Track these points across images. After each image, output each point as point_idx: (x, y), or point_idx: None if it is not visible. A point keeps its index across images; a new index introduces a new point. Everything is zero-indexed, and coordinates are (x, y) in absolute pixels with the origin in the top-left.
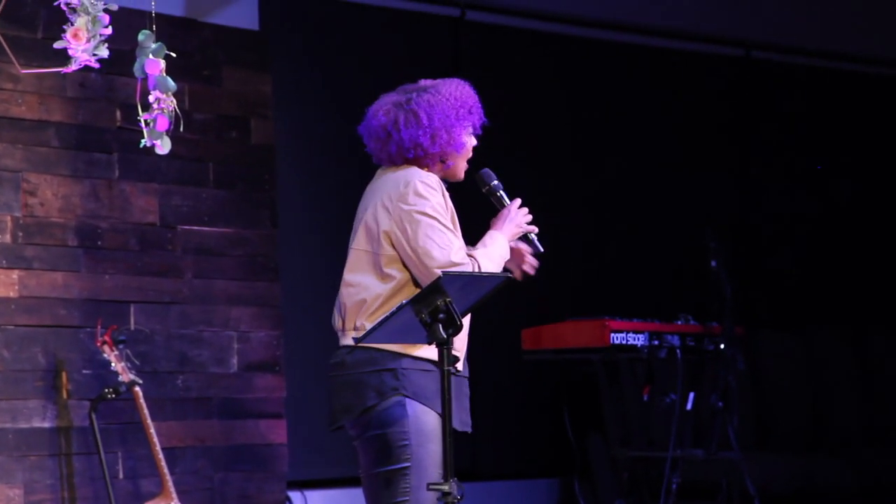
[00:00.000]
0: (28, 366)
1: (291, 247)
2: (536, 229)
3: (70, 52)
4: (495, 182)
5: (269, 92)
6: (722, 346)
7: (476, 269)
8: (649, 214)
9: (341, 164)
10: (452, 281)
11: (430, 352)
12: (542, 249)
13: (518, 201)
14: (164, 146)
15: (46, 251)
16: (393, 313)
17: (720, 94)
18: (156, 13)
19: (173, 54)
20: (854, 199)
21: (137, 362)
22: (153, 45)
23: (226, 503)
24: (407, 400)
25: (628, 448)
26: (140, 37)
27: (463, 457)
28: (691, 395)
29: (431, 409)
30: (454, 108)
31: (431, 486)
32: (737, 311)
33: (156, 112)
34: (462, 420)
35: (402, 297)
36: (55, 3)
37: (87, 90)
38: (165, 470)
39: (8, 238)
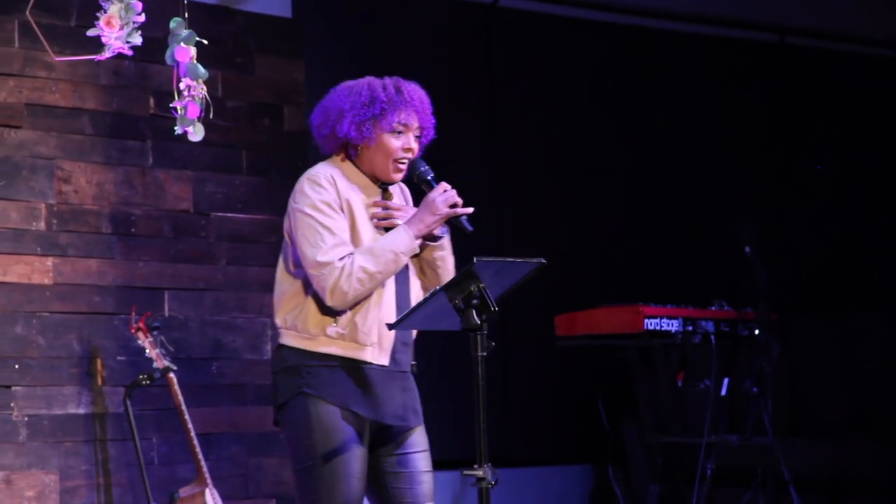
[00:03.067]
0: (63, 352)
1: None
2: (466, 211)
3: (103, 39)
4: (423, 168)
5: (302, 79)
6: (756, 331)
7: (349, 267)
8: (683, 200)
9: None
10: (485, 267)
11: (335, 348)
12: (470, 229)
13: (440, 187)
14: (196, 133)
15: (81, 238)
16: (427, 299)
17: (754, 79)
18: (189, 1)
19: (205, 42)
20: (891, 183)
21: (172, 349)
22: (184, 33)
23: (260, 489)
24: (311, 397)
25: (662, 434)
26: (172, 24)
27: (497, 443)
28: (726, 380)
29: (336, 405)
30: (349, 96)
31: (466, 473)
32: (771, 296)
33: (186, 99)
34: (396, 415)
35: (301, 299)
36: None
37: (121, 78)
38: (200, 456)
39: (42, 225)
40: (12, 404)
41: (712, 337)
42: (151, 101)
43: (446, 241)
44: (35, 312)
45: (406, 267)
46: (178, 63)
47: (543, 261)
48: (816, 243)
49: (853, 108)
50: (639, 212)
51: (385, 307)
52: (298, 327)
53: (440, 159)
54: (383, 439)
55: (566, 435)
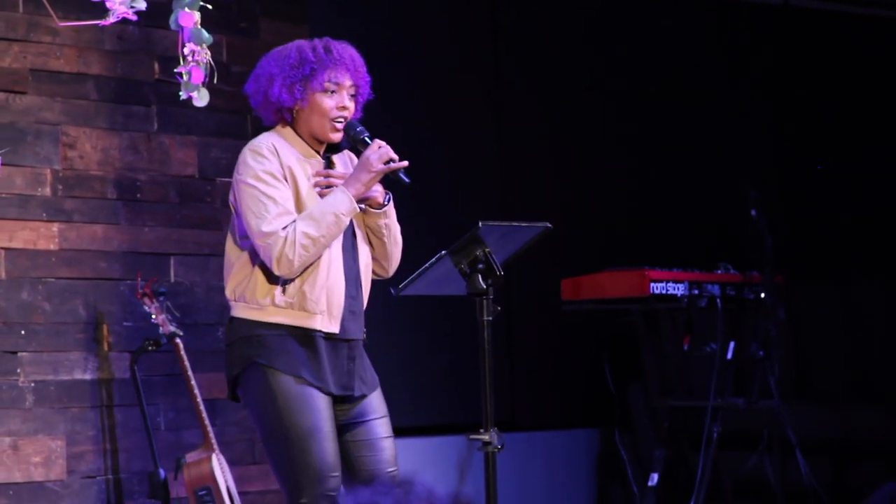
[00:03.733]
0: (69, 318)
1: None
2: (401, 164)
3: (108, 4)
4: (358, 129)
5: None
6: (762, 295)
7: (291, 234)
8: (688, 163)
9: (375, 115)
10: (490, 231)
11: (283, 317)
12: (407, 181)
13: (374, 144)
14: (201, 98)
15: (86, 204)
16: (432, 263)
17: (758, 42)
18: None
19: (210, 6)
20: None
21: (178, 314)
22: None
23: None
24: (265, 367)
25: (668, 398)
26: None
27: (502, 408)
28: (731, 344)
29: (289, 373)
30: (278, 60)
31: (472, 437)
32: (777, 260)
33: (191, 64)
34: (341, 383)
35: (249, 270)
36: None
37: (126, 43)
38: (207, 421)
39: (48, 191)
40: (18, 370)
41: (718, 300)
42: (156, 66)
43: (390, 209)
44: (41, 278)
45: (353, 235)
46: (182, 28)
47: (549, 225)
48: (823, 208)
49: (860, 71)
50: (644, 175)
51: (333, 275)
52: (247, 298)
53: (446, 123)
54: (338, 406)
55: (572, 399)
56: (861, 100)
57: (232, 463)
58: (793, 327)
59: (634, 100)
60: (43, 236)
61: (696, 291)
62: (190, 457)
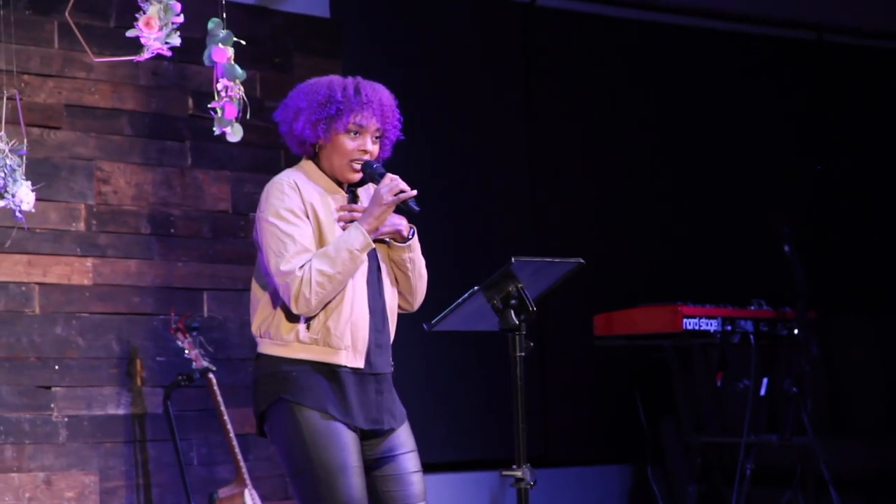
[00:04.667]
0: (102, 353)
1: None
2: (410, 194)
3: (142, 40)
4: (374, 166)
5: None
6: (795, 331)
7: (307, 272)
8: (722, 199)
9: (409, 150)
10: (523, 267)
11: (308, 353)
12: (416, 210)
13: (386, 179)
14: (234, 134)
15: (120, 239)
16: (465, 299)
17: (792, 78)
18: (227, 1)
19: (243, 42)
20: None
21: (211, 349)
22: (222, 34)
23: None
24: (291, 403)
25: (701, 434)
26: (209, 25)
27: (535, 443)
28: (765, 380)
29: (315, 408)
30: (308, 94)
31: (505, 473)
32: (810, 296)
33: (224, 100)
34: (369, 418)
35: (274, 306)
36: None
37: (160, 78)
38: (239, 456)
39: (82, 226)
40: (52, 405)
41: (751, 336)
42: (190, 101)
43: (415, 243)
44: (75, 313)
45: (378, 269)
46: (215, 63)
47: (582, 260)
48: (855, 243)
49: (893, 107)
50: (677, 211)
51: (357, 310)
52: (272, 334)
53: (478, 157)
54: (367, 445)
55: (605, 435)
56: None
57: (264, 498)
58: (826, 363)
59: (667, 136)
60: (77, 271)
61: (729, 327)
62: (222, 492)
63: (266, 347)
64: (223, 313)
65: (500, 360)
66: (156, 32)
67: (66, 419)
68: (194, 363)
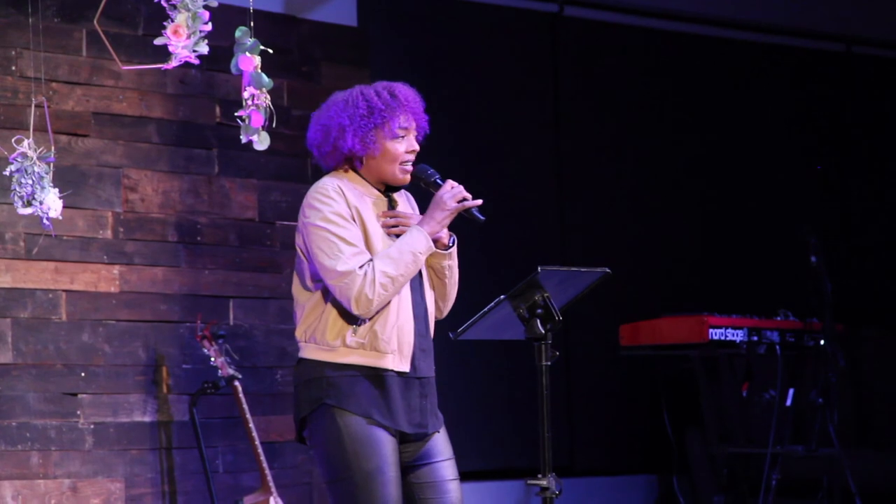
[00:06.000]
0: (129, 360)
1: None
2: (475, 203)
3: (170, 48)
4: (429, 171)
5: None
6: (822, 342)
7: (370, 273)
8: (748, 209)
9: (438, 160)
10: (550, 276)
11: (355, 357)
12: (482, 219)
13: (447, 184)
14: (261, 142)
15: (147, 246)
16: (491, 308)
17: (820, 89)
18: (255, 10)
19: (270, 51)
20: None
21: (237, 357)
22: (249, 42)
23: (324, 499)
24: (334, 409)
25: (727, 444)
26: (237, 33)
27: (561, 453)
28: (791, 391)
29: (360, 414)
30: (346, 109)
31: (530, 482)
32: (837, 307)
33: (250, 108)
34: (413, 422)
35: (319, 311)
36: (155, 0)
37: (187, 86)
38: (265, 464)
39: (109, 233)
40: (79, 412)
41: (777, 347)
42: (217, 109)
43: (455, 251)
44: (101, 320)
45: (420, 275)
46: (242, 72)
47: (608, 270)
48: (883, 256)
49: None
50: (704, 221)
51: (403, 314)
52: (318, 339)
53: (505, 166)
54: (405, 450)
55: (630, 445)
56: None
57: None
58: (852, 375)
59: (694, 145)
60: (104, 279)
61: (756, 338)
62: (248, 500)
63: (310, 352)
64: (249, 321)
65: (526, 369)
66: (184, 41)
67: (92, 426)
68: (220, 371)
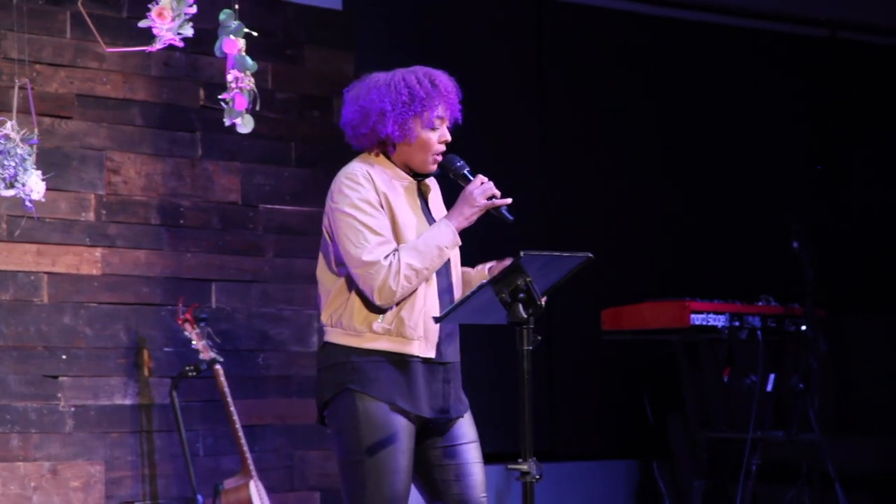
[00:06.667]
0: (110, 343)
1: None
2: (505, 201)
3: (154, 31)
4: (459, 163)
5: (352, 71)
6: (803, 327)
7: (395, 264)
8: (731, 194)
9: None
10: (532, 261)
11: (381, 343)
12: (510, 219)
13: (477, 180)
14: (245, 125)
15: (129, 229)
16: (473, 293)
17: (804, 74)
18: None
19: (254, 33)
20: None
21: (218, 340)
22: (233, 25)
23: (305, 481)
24: (356, 393)
25: (708, 429)
26: (221, 16)
27: (542, 437)
28: (772, 376)
29: (382, 400)
30: (388, 94)
31: (511, 467)
32: (819, 292)
33: (234, 91)
34: (436, 407)
35: (346, 296)
36: None
37: (172, 69)
38: (245, 448)
39: (91, 216)
40: (59, 394)
41: (759, 332)
42: (201, 92)
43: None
44: (83, 303)
45: (448, 261)
46: (226, 55)
47: (591, 255)
48: (864, 240)
49: None
50: (686, 206)
51: (430, 301)
52: (344, 324)
53: (489, 152)
54: (430, 432)
55: (611, 430)
56: None
57: (270, 490)
58: (834, 360)
59: (678, 132)
60: (86, 261)
61: (737, 323)
62: (228, 483)
63: (335, 337)
64: (231, 304)
65: (508, 353)
66: (168, 23)
67: (72, 409)
68: (202, 354)
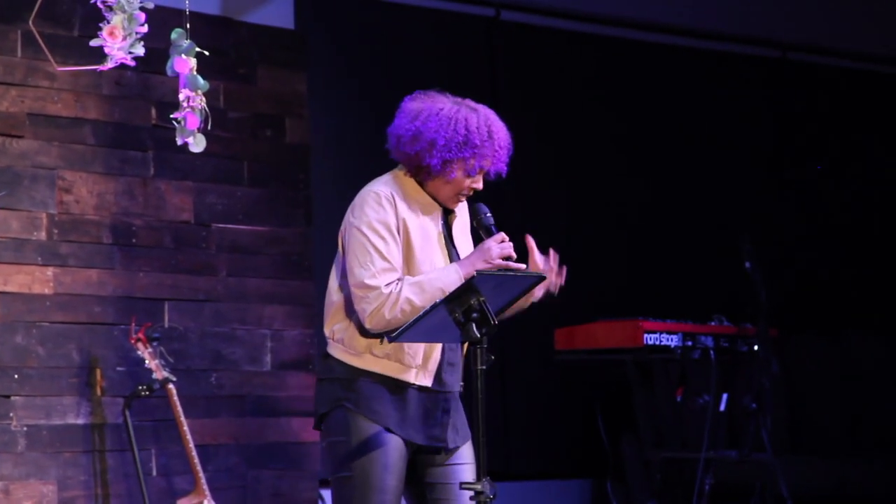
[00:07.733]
0: (63, 362)
1: (325, 245)
2: (519, 266)
3: (106, 49)
4: (486, 215)
5: (304, 91)
6: (756, 347)
7: (395, 296)
8: (684, 215)
9: (376, 163)
10: (485, 280)
11: (378, 367)
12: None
13: (499, 236)
14: (197, 144)
15: (81, 248)
16: (427, 312)
17: (756, 95)
18: (191, 11)
19: (206, 53)
20: (890, 201)
21: (171, 360)
22: (185, 44)
23: (258, 501)
24: (349, 411)
25: (661, 449)
26: (173, 35)
27: (496, 457)
28: (724, 396)
29: (375, 421)
30: (446, 128)
31: (464, 486)
32: (771, 313)
33: (186, 110)
34: (431, 435)
35: (350, 312)
36: (91, 1)
37: (123, 88)
38: (199, 467)
39: (43, 235)
40: (11, 414)
41: (711, 352)
42: (153, 111)
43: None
44: (35, 322)
45: None
46: (178, 74)
47: (543, 275)
48: (816, 261)
49: (855, 124)
50: (639, 226)
51: None
52: (345, 342)
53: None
54: (426, 452)
55: (565, 449)
56: (858, 152)
57: None
58: (786, 380)
59: (631, 150)
60: (38, 280)
61: (690, 343)
62: (182, 503)
63: (337, 352)
64: (184, 324)
65: (464, 372)
66: (119, 42)
67: (24, 428)
68: (154, 373)
